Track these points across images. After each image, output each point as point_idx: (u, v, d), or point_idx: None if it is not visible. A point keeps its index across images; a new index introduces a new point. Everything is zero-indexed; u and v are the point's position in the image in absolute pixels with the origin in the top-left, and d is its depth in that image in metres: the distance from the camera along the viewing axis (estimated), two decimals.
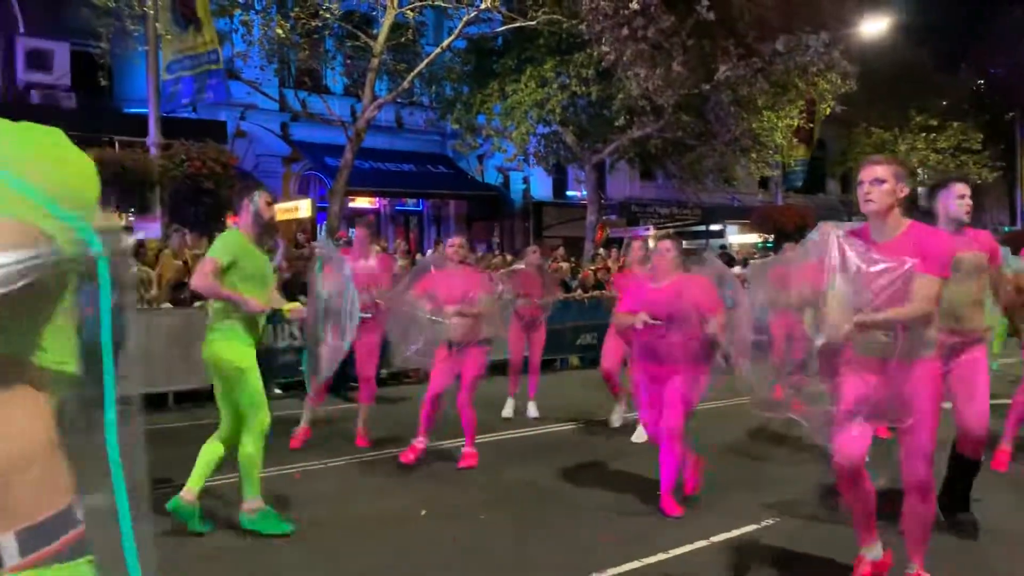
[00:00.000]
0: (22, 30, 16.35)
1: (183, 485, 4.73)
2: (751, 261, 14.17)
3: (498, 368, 11.55)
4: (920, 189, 34.12)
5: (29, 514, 1.11)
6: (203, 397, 9.56)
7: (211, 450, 4.76)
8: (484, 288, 6.23)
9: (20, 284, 0.99)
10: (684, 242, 23.85)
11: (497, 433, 7.64)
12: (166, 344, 8.95)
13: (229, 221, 17.63)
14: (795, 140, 22.16)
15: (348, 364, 7.16)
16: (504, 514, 5.20)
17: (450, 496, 5.60)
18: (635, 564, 4.29)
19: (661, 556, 4.40)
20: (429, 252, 16.16)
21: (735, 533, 4.77)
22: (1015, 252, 9.20)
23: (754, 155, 18.59)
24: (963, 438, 4.60)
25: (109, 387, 1.12)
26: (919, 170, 29.00)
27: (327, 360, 5.52)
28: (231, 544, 4.65)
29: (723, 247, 20.06)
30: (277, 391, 10.07)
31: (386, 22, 14.40)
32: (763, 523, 4.95)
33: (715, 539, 4.67)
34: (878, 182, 3.47)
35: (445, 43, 15.31)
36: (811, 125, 22.95)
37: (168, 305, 9.77)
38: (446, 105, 18.31)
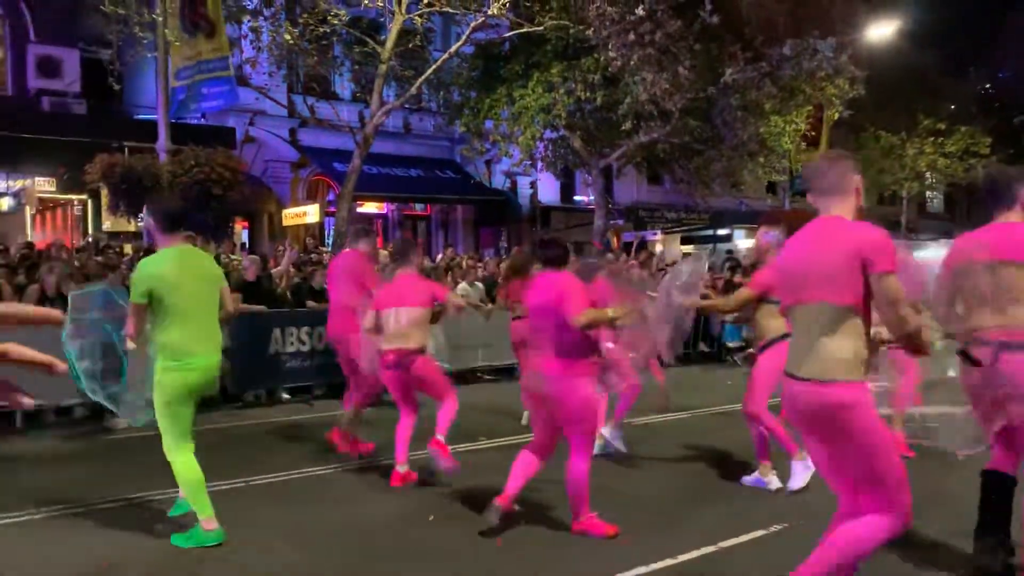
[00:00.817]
0: (33, 37, 16.47)
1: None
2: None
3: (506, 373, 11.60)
4: (928, 193, 34.22)
5: None
6: (203, 403, 9.59)
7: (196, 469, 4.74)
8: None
9: None
10: (692, 246, 23.77)
11: (509, 438, 7.63)
12: None
13: (237, 226, 17.74)
14: (803, 144, 22.12)
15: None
16: (512, 519, 5.19)
17: (458, 501, 5.60)
18: (642, 569, 4.28)
19: (668, 561, 4.39)
20: (439, 257, 16.18)
21: (744, 538, 4.76)
22: None
23: (762, 159, 18.57)
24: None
25: None
26: (928, 174, 28.97)
27: None
28: (237, 547, 4.66)
29: (729, 252, 20.01)
30: (285, 396, 10.11)
31: (394, 28, 14.45)
32: (772, 528, 4.94)
33: (724, 544, 4.66)
34: None
35: (453, 49, 15.34)
36: (813, 133, 22.94)
37: None
38: (454, 110, 18.36)
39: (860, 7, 22.39)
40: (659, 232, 24.73)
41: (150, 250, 12.43)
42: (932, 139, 27.05)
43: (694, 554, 4.50)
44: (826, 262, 3.13)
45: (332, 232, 16.30)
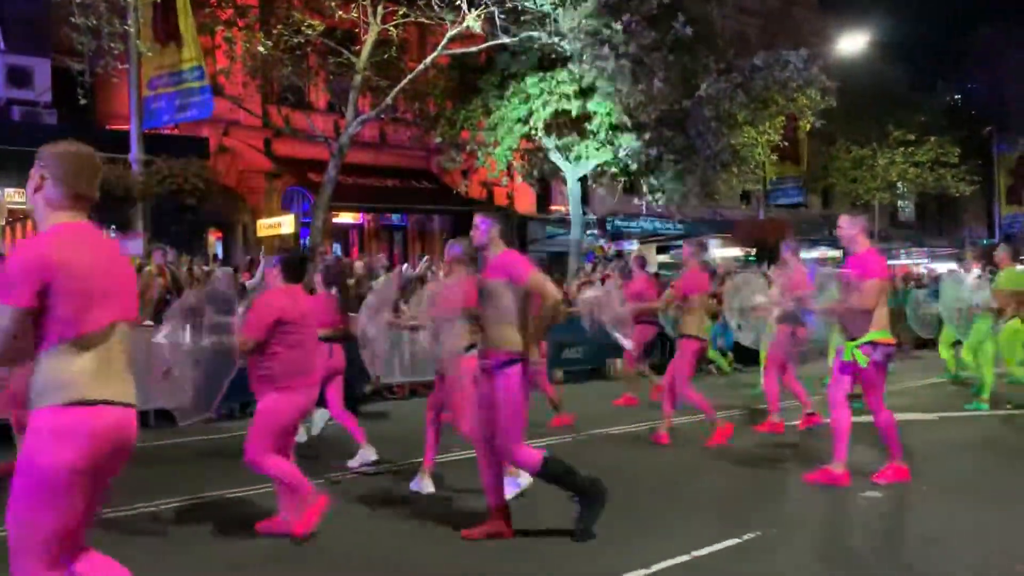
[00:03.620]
0: (3, 47, 16.29)
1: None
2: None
3: None
4: (900, 203, 34.73)
5: None
6: (172, 418, 9.48)
7: None
8: None
9: None
10: (668, 255, 23.89)
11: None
12: (149, 362, 8.89)
13: (211, 237, 17.61)
14: (775, 157, 22.36)
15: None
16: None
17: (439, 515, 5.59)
18: None
19: (641, 572, 4.39)
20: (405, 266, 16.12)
21: (717, 547, 4.78)
22: (994, 264, 9.34)
23: (735, 170, 18.73)
24: None
25: None
26: (899, 184, 29.40)
27: None
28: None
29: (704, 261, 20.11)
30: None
31: (369, 38, 14.45)
32: (745, 537, 4.96)
33: (697, 553, 4.67)
34: None
35: (428, 59, 15.36)
36: (786, 143, 23.22)
37: (150, 323, 9.70)
38: (430, 121, 18.36)
39: (831, 21, 22.73)
40: (635, 242, 24.84)
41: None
42: (902, 150, 27.47)
43: (666, 564, 4.51)
44: None
45: (307, 242, 16.21)
